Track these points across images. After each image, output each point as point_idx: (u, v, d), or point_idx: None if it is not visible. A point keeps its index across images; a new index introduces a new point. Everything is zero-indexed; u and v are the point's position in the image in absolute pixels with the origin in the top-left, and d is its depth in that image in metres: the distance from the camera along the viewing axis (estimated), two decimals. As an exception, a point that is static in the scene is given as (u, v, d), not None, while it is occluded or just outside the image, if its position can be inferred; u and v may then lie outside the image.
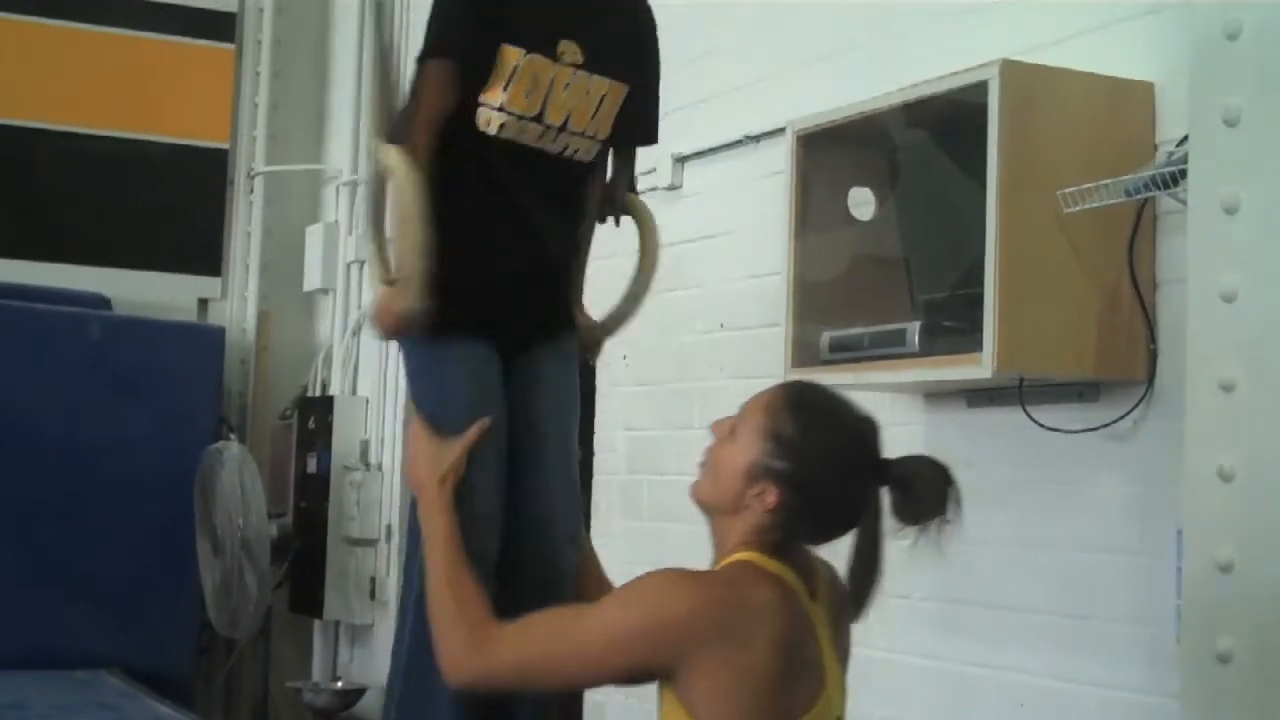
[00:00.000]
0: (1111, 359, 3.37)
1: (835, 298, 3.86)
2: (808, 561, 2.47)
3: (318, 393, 7.44)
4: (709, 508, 2.50)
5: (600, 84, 2.90)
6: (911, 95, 3.57)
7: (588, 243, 3.11)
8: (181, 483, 6.66)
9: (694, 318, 4.94)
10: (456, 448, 2.76)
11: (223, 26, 7.71)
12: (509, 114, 2.81)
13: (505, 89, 2.79)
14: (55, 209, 7.44)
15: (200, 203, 7.67)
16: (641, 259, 3.15)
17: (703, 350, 4.90)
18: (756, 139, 4.69)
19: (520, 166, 2.85)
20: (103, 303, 7.18)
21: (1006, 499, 3.68)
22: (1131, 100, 3.40)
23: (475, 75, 2.81)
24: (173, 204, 7.60)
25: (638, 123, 3.03)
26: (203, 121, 7.67)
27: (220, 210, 7.68)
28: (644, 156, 4.97)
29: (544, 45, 2.81)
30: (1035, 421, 3.54)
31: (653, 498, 5.10)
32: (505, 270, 2.88)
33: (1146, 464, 3.38)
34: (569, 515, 2.96)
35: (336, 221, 7.46)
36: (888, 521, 2.39)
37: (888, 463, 2.41)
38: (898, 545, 2.40)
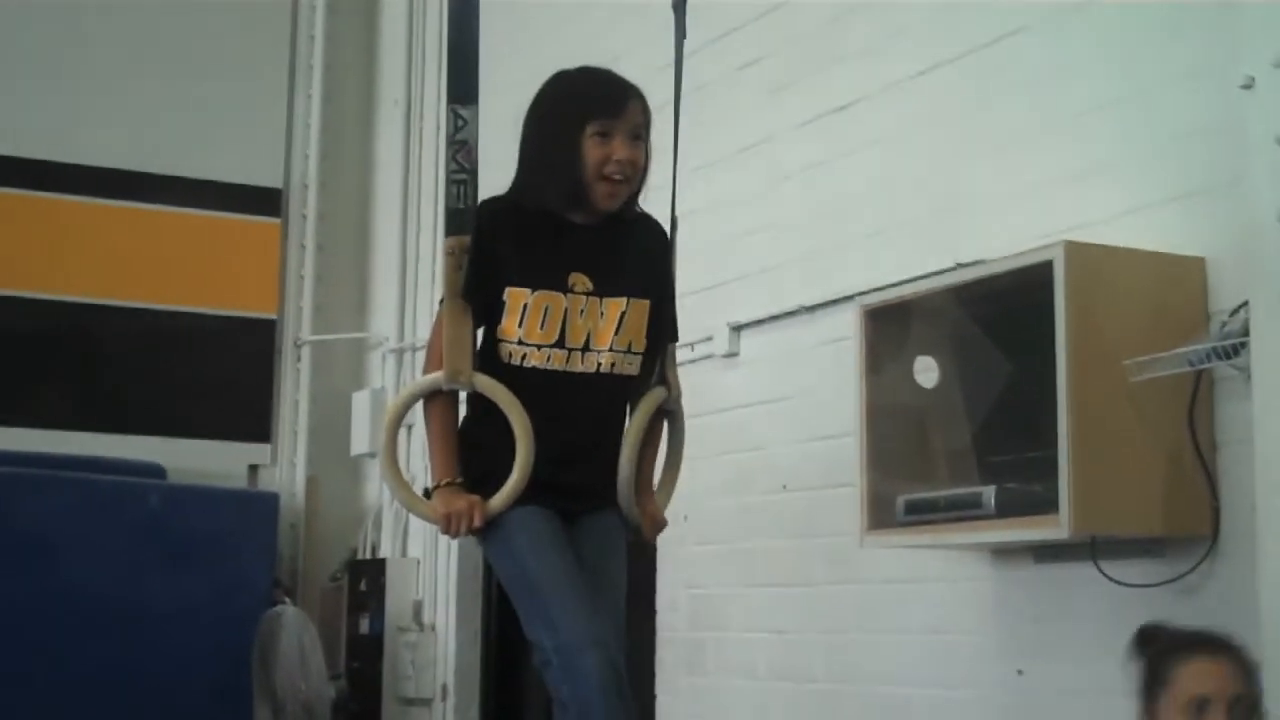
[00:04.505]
0: (1177, 516, 3.58)
1: (903, 460, 4.07)
2: None
3: (368, 555, 7.60)
4: None
5: (615, 303, 3.31)
6: (980, 273, 3.80)
7: (641, 432, 3.39)
8: (239, 647, 6.81)
9: (755, 479, 5.11)
10: None
11: (269, 202, 8.00)
12: (528, 345, 3.25)
13: (520, 324, 3.24)
14: (110, 381, 7.64)
15: (249, 372, 7.90)
16: (668, 456, 3.55)
17: (765, 511, 5.06)
18: (812, 309, 4.91)
19: (550, 390, 3.27)
20: (157, 471, 7.37)
21: (1082, 653, 3.84)
22: (1185, 274, 3.64)
23: (486, 313, 3.29)
24: (223, 374, 7.82)
25: (661, 325, 3.42)
26: (251, 294, 7.93)
27: (269, 379, 7.93)
28: (700, 326, 5.32)
29: (551, 282, 3.26)
30: (1107, 576, 3.72)
31: (717, 655, 5.21)
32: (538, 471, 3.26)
33: (1215, 615, 3.51)
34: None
35: (382, 387, 7.68)
36: None
37: None
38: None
